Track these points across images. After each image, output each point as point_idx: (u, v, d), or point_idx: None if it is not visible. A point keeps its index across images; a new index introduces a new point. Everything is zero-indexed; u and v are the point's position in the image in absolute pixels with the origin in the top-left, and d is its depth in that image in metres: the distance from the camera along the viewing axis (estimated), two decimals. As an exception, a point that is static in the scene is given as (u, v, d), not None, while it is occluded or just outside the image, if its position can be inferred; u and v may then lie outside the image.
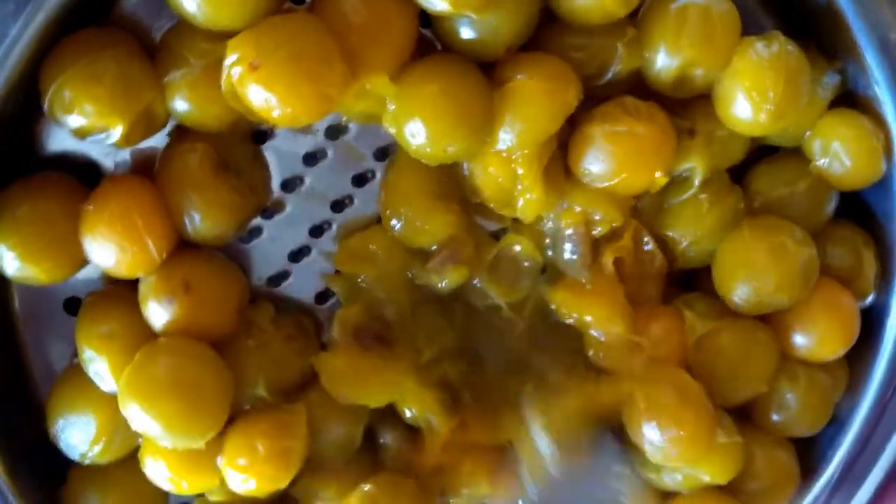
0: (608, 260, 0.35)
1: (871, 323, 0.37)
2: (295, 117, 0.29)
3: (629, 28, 0.33)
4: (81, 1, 0.30)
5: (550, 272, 0.36)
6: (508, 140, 0.32)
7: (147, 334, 0.33)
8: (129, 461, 0.34)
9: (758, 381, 0.36)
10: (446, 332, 0.36)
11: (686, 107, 0.35)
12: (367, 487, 0.35)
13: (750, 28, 0.34)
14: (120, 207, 0.31)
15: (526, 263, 0.36)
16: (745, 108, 0.33)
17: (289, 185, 0.35)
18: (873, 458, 0.38)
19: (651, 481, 0.37)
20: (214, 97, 0.30)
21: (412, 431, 0.37)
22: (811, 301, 0.36)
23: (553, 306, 0.36)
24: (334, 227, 0.36)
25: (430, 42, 0.34)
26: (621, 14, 0.32)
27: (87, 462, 0.34)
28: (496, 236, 0.36)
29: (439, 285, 0.35)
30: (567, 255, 0.35)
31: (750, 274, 0.35)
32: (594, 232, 0.35)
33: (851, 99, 0.36)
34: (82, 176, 0.33)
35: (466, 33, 0.32)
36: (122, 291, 0.33)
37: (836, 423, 0.39)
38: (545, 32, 0.33)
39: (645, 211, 0.36)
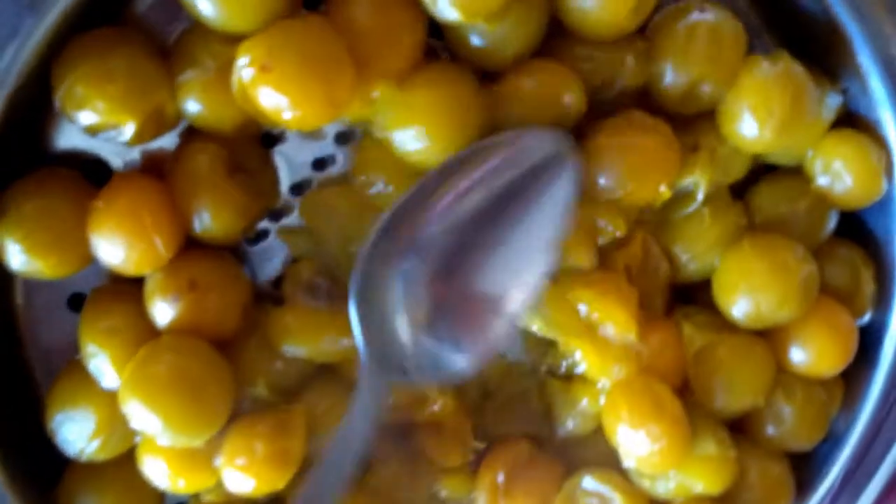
0: (619, 266, 0.35)
1: (869, 341, 0.38)
2: (304, 120, 0.30)
3: (639, 42, 0.33)
4: (96, 1, 0.30)
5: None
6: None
7: (150, 331, 0.33)
8: (126, 460, 0.34)
9: (754, 394, 0.36)
10: None
11: (690, 123, 0.35)
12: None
13: (755, 47, 0.35)
14: (129, 205, 0.31)
15: None
16: (750, 124, 0.33)
17: (298, 188, 0.36)
18: (869, 474, 0.38)
19: (644, 488, 0.37)
20: (226, 99, 0.30)
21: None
22: (809, 318, 0.36)
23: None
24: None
25: (435, 50, 0.34)
26: (630, 28, 0.32)
27: (83, 459, 0.34)
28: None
29: None
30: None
31: (750, 289, 0.35)
32: (598, 240, 0.35)
33: (853, 120, 0.36)
34: (91, 174, 0.33)
35: (476, 42, 0.32)
36: (126, 288, 0.33)
37: (833, 439, 0.39)
38: (554, 43, 0.34)
39: (648, 225, 0.36)
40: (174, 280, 0.32)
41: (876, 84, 0.35)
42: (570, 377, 0.37)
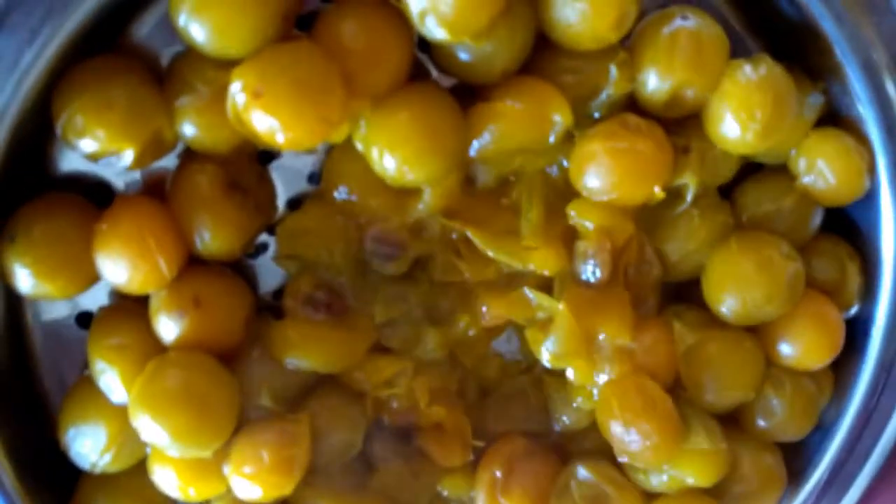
0: (620, 268, 0.36)
1: (856, 333, 0.38)
2: (297, 141, 0.30)
3: (621, 52, 0.34)
4: (92, 30, 0.31)
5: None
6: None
7: (156, 347, 0.33)
8: (137, 470, 0.35)
9: (745, 389, 0.37)
10: (406, 300, 0.37)
11: (680, 125, 0.35)
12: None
13: (737, 51, 0.35)
14: (132, 227, 0.32)
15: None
16: (733, 127, 0.34)
17: (295, 203, 0.36)
18: (860, 463, 0.39)
19: (638, 482, 0.38)
20: (221, 122, 0.31)
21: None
22: (797, 312, 0.36)
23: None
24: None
25: (423, 64, 0.35)
26: (613, 40, 0.33)
27: (96, 471, 0.34)
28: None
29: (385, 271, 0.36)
30: (586, 276, 0.36)
31: (738, 287, 0.36)
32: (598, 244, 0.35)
33: (835, 118, 0.37)
34: (94, 195, 0.34)
35: (464, 58, 0.33)
36: (132, 306, 0.34)
37: (823, 430, 0.39)
38: (539, 57, 0.34)
39: (639, 225, 0.37)
40: (178, 297, 0.33)
41: (856, 83, 0.35)
42: (564, 374, 0.38)
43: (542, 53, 0.34)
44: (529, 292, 0.36)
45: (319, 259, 0.35)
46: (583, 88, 0.34)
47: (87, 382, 0.34)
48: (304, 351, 0.35)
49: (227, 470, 0.34)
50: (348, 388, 0.37)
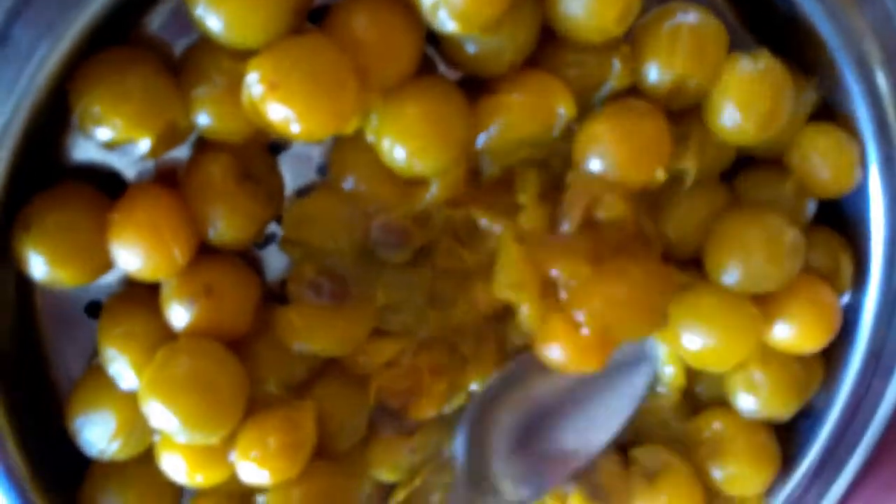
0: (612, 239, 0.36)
1: (846, 321, 0.39)
2: (311, 132, 0.31)
3: (623, 46, 0.35)
4: (106, 22, 0.31)
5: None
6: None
7: (166, 335, 0.34)
8: (145, 458, 0.35)
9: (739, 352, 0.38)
10: (411, 287, 0.37)
11: (680, 116, 0.36)
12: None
13: (734, 46, 0.36)
14: (146, 215, 0.32)
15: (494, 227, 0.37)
16: (733, 118, 0.35)
17: (303, 193, 0.37)
18: (850, 449, 0.40)
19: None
20: (236, 112, 0.31)
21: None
22: (795, 293, 0.37)
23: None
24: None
25: (431, 58, 0.35)
26: (617, 33, 0.34)
27: (105, 459, 0.35)
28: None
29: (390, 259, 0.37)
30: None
31: (742, 249, 0.36)
32: (598, 214, 0.36)
33: (829, 113, 0.38)
34: (105, 185, 0.34)
35: (472, 51, 0.34)
36: (142, 294, 0.34)
37: (814, 417, 0.41)
38: (544, 50, 0.35)
39: (641, 204, 0.37)
40: (190, 285, 0.33)
41: (848, 78, 0.36)
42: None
43: (547, 47, 0.35)
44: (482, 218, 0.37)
45: (324, 246, 0.36)
46: (586, 81, 0.35)
47: (96, 371, 0.35)
48: (308, 335, 0.35)
49: (234, 456, 0.34)
50: (351, 373, 0.37)
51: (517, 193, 0.37)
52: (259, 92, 0.30)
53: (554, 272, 0.36)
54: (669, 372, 0.40)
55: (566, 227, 0.36)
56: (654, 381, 0.40)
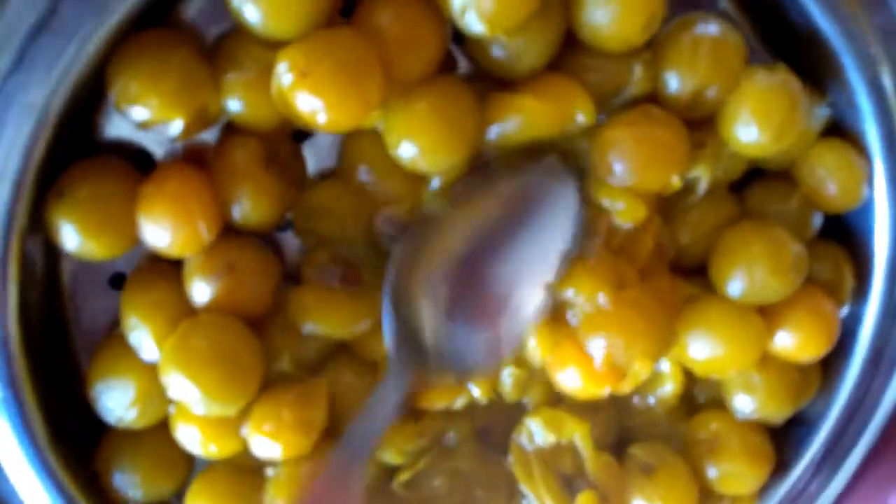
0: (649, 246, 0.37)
1: (846, 332, 0.40)
2: (337, 122, 0.32)
3: (645, 53, 0.35)
4: (148, 5, 0.32)
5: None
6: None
7: (187, 309, 0.35)
8: (159, 427, 0.36)
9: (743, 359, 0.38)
10: None
11: (696, 125, 0.37)
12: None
13: (753, 61, 0.37)
14: (176, 191, 0.33)
15: None
16: (750, 128, 0.35)
17: (324, 177, 0.38)
18: (843, 456, 0.41)
19: None
20: (265, 100, 0.32)
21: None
22: (797, 304, 0.38)
23: None
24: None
25: (453, 56, 0.36)
26: (640, 42, 0.34)
27: (121, 426, 0.36)
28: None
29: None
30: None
31: (747, 261, 0.37)
32: (616, 223, 0.36)
33: (839, 130, 0.38)
34: (135, 162, 0.35)
35: (496, 53, 0.34)
36: (165, 268, 0.35)
37: (809, 424, 0.41)
38: (566, 54, 0.35)
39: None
40: (213, 262, 0.34)
41: (862, 99, 0.37)
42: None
43: (570, 52, 0.35)
44: None
45: (333, 234, 0.36)
46: (606, 87, 0.35)
47: (117, 340, 0.36)
48: (320, 316, 0.36)
49: (248, 428, 0.35)
50: (362, 358, 0.38)
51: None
52: (289, 81, 0.31)
53: (569, 293, 0.36)
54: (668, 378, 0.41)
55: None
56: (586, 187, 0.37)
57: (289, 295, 0.36)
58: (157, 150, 0.36)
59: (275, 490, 0.36)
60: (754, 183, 0.40)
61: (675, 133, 0.35)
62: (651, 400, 0.41)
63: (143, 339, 0.35)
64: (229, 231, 0.35)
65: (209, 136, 0.35)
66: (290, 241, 0.38)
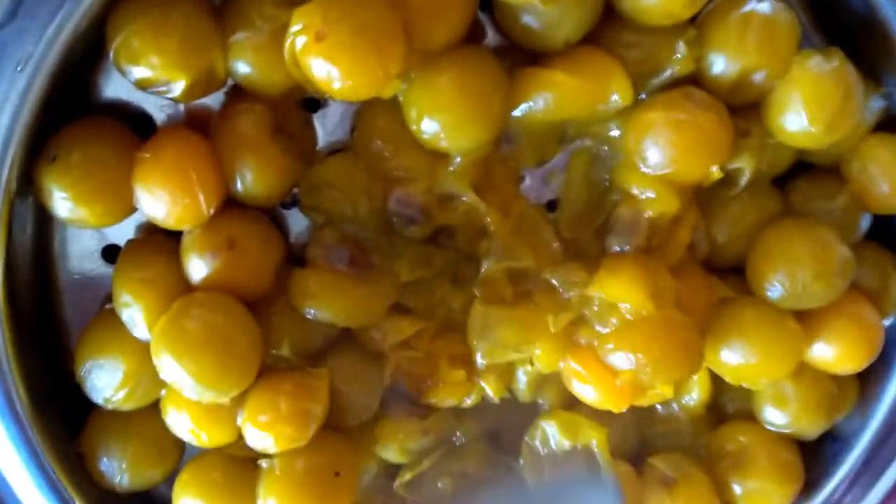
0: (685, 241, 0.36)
1: (888, 344, 0.38)
2: (354, 91, 0.30)
3: (690, 29, 0.33)
4: None
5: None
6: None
7: (183, 286, 0.33)
8: (150, 411, 0.35)
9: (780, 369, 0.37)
10: (432, 264, 0.37)
11: (741, 112, 0.35)
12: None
13: (803, 46, 0.34)
14: (175, 158, 0.31)
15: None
16: (799, 117, 0.34)
17: (334, 153, 0.36)
18: (877, 475, 0.39)
19: None
20: (276, 63, 0.30)
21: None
22: (838, 311, 0.36)
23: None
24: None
25: (482, 26, 0.34)
26: (686, 16, 0.33)
27: (109, 406, 0.34)
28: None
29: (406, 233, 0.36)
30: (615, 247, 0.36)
31: (787, 264, 0.35)
32: (646, 214, 0.35)
33: (894, 125, 0.37)
34: (134, 126, 0.33)
35: (528, 22, 0.33)
36: (162, 241, 0.34)
37: (842, 441, 0.40)
38: (603, 28, 0.34)
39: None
40: (213, 237, 0.32)
41: (921, 91, 0.35)
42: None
43: (607, 24, 0.34)
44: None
45: (342, 213, 0.35)
46: (646, 65, 0.34)
47: (108, 316, 0.34)
48: (323, 301, 0.34)
49: (242, 418, 0.33)
50: (367, 348, 0.37)
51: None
52: (303, 42, 0.29)
53: (598, 298, 0.35)
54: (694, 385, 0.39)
55: (618, 248, 0.35)
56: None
57: (292, 276, 0.35)
58: (158, 113, 0.34)
59: (268, 482, 0.35)
60: (799, 177, 0.38)
61: (718, 119, 0.33)
62: (675, 407, 0.39)
63: (135, 315, 0.33)
64: (231, 204, 0.33)
65: (214, 100, 0.33)
66: (296, 219, 0.37)
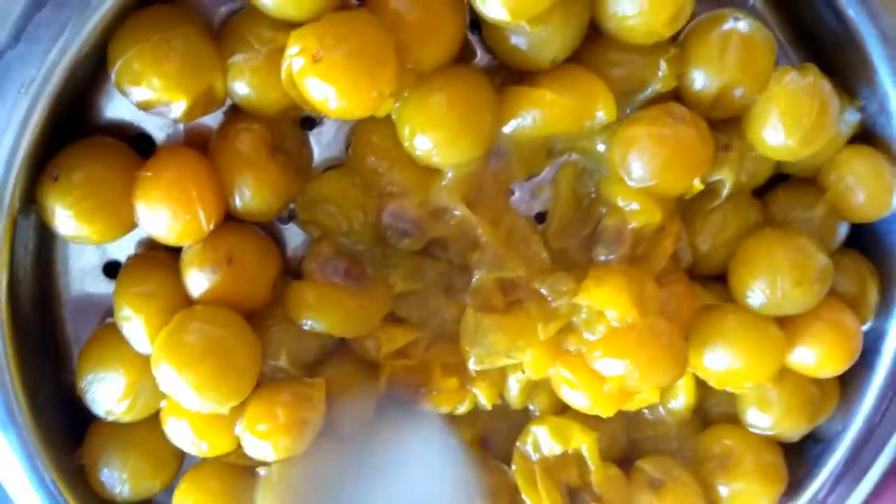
0: (669, 251, 0.36)
1: (867, 348, 0.39)
2: (350, 110, 0.30)
3: (671, 48, 0.34)
4: None
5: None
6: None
7: (183, 300, 0.34)
8: (149, 422, 0.35)
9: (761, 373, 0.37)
10: (425, 276, 0.37)
11: (721, 126, 0.36)
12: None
13: (780, 62, 0.35)
14: (176, 176, 0.32)
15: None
16: (777, 130, 0.34)
17: (330, 167, 0.36)
18: (859, 476, 0.40)
19: None
20: (273, 83, 0.31)
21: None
22: (818, 316, 0.37)
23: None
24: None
25: (471, 47, 0.35)
26: (667, 35, 0.33)
27: (110, 418, 0.35)
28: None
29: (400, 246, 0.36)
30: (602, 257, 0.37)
31: (769, 270, 0.36)
32: (631, 225, 0.36)
33: (869, 137, 0.37)
34: (134, 145, 0.34)
35: (516, 42, 0.33)
36: (162, 257, 0.34)
37: (825, 443, 0.40)
38: (588, 47, 0.34)
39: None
40: (212, 252, 0.33)
41: (894, 105, 0.36)
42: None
43: (592, 44, 0.34)
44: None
45: (338, 227, 0.35)
46: (629, 83, 0.34)
47: (109, 329, 0.35)
48: (319, 312, 0.35)
49: (241, 427, 0.34)
50: (362, 358, 0.37)
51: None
52: (300, 64, 0.30)
53: (586, 306, 0.36)
54: (681, 389, 0.40)
55: (604, 258, 0.36)
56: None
57: (289, 289, 0.35)
58: (158, 133, 0.35)
59: (266, 490, 0.35)
60: (778, 188, 0.39)
61: (699, 133, 0.34)
62: (662, 412, 0.40)
63: (135, 329, 0.33)
64: (230, 220, 0.34)
65: (213, 120, 0.34)
66: (293, 233, 0.37)
